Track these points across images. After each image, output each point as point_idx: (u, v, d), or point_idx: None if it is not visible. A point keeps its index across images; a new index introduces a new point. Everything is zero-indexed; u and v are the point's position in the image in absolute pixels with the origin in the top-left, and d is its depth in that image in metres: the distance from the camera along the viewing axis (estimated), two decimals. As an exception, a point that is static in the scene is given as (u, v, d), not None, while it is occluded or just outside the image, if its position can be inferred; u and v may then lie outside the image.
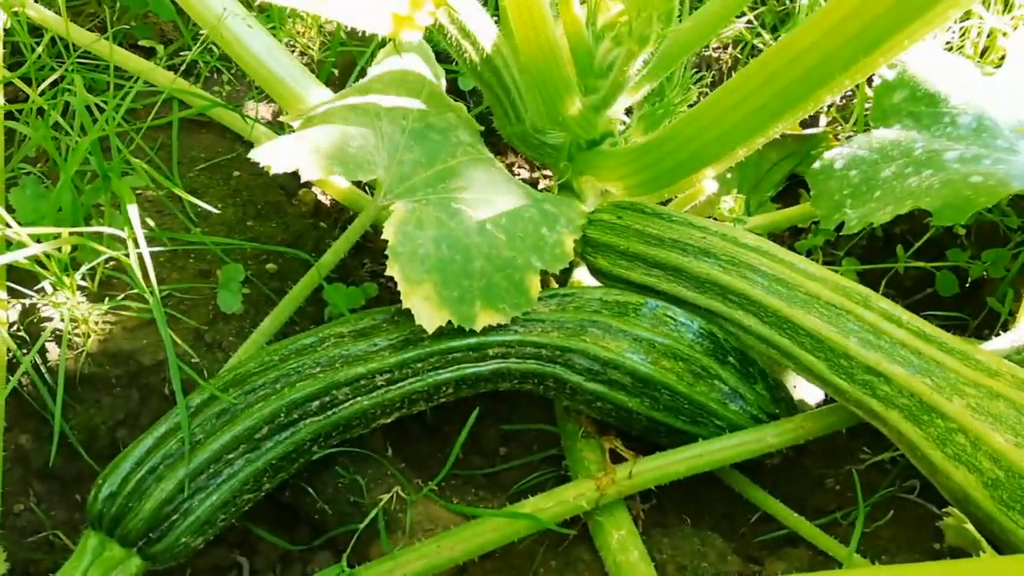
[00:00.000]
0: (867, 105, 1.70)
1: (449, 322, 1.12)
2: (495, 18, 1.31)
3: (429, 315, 1.11)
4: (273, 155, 1.13)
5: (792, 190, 1.82)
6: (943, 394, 1.09)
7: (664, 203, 1.53)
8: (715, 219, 1.69)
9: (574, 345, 1.19)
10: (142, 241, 1.15)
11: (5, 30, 1.38)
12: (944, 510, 1.11)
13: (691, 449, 1.19)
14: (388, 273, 1.10)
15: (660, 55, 1.31)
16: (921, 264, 1.52)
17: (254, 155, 1.14)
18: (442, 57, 1.53)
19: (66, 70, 1.36)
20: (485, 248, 1.18)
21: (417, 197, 1.21)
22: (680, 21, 1.35)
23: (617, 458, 1.22)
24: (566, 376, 1.20)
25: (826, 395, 1.28)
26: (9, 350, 1.18)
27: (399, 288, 1.10)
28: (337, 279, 1.40)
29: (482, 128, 1.39)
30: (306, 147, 1.14)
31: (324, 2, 0.86)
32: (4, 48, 1.40)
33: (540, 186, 1.78)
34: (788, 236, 1.77)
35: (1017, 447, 1.03)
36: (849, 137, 1.76)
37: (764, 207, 1.79)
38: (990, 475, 1.04)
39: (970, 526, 1.04)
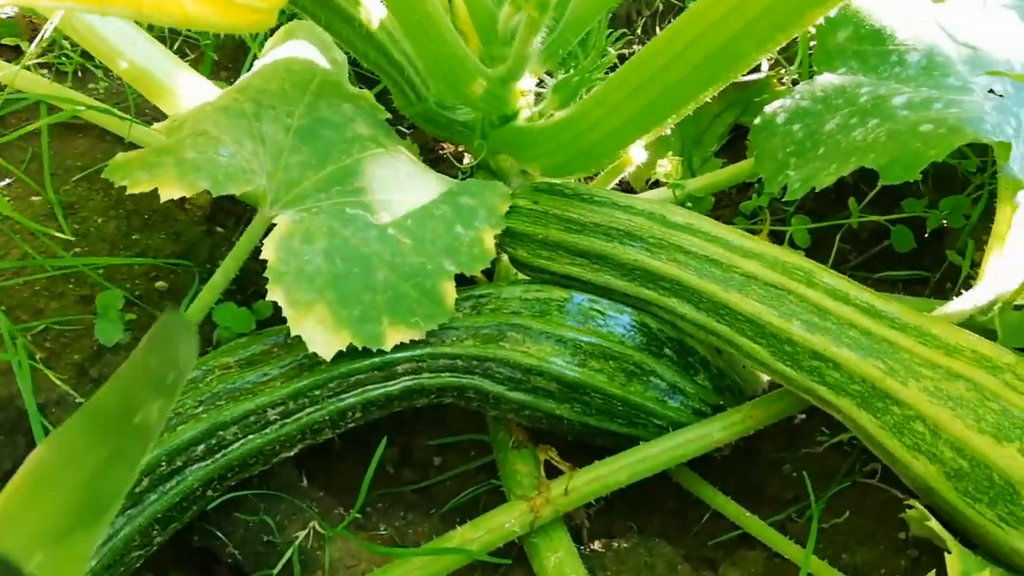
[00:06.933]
0: (811, 44, 1.57)
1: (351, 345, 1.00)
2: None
3: (325, 340, 0.98)
4: (129, 172, 0.99)
5: (737, 142, 1.69)
6: (898, 378, 0.98)
7: (590, 178, 1.40)
8: (656, 182, 1.58)
9: (492, 353, 1.07)
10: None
11: None
12: (906, 502, 1.02)
13: (631, 455, 1.08)
14: (270, 298, 0.97)
15: (570, 17, 1.17)
16: (875, 218, 1.41)
17: (108, 174, 1.00)
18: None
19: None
20: (388, 256, 1.05)
21: (307, 205, 1.07)
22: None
23: (553, 470, 1.12)
24: (487, 387, 1.09)
25: (775, 379, 1.18)
26: None
27: (285, 314, 0.97)
28: (236, 291, 1.27)
29: (389, 116, 1.25)
30: (168, 161, 1.00)
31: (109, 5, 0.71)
32: None
33: (466, 160, 1.64)
34: (735, 193, 1.65)
35: (980, 433, 0.93)
36: (794, 81, 1.63)
37: (708, 163, 1.66)
38: (952, 465, 0.94)
39: (933, 523, 0.94)
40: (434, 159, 1.61)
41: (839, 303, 1.04)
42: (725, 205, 1.65)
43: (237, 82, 1.17)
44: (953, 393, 0.95)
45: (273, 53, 1.23)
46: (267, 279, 1.01)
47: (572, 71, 1.23)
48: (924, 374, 0.97)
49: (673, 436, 1.09)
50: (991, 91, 1.23)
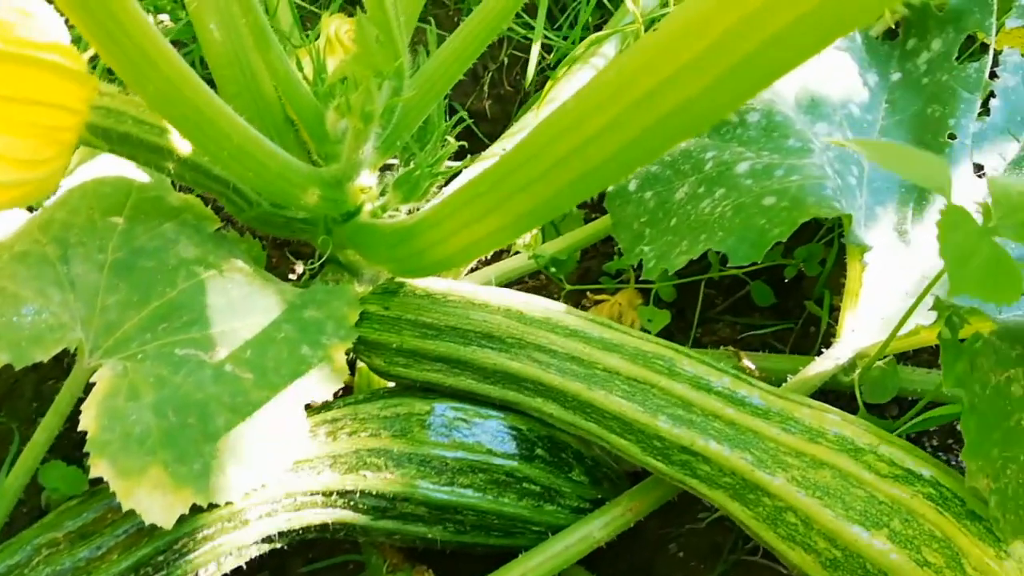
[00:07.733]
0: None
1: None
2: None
3: (164, 505, 0.89)
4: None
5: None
6: (766, 469, 0.97)
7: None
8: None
9: (352, 485, 1.01)
10: None
11: None
12: (786, 593, 1.01)
13: (511, 571, 1.04)
14: (94, 474, 0.87)
15: (404, 112, 1.11)
16: (735, 271, 1.41)
17: None
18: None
19: None
20: (227, 398, 0.97)
21: (132, 350, 0.98)
22: (429, 55, 1.15)
23: (430, 594, 1.07)
24: (350, 519, 1.03)
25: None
26: None
27: (113, 488, 0.88)
28: (70, 430, 1.16)
29: (220, 223, 1.16)
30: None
31: None
32: None
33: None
34: (601, 244, 1.63)
35: (850, 522, 0.92)
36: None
37: (570, 217, 1.64)
38: (827, 555, 0.93)
39: (814, 614, 0.93)
40: (280, 243, 1.53)
41: (702, 393, 1.02)
42: (592, 256, 1.62)
43: (39, 213, 1.06)
44: (820, 482, 0.94)
45: (80, 172, 1.12)
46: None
47: (412, 164, 1.17)
48: (791, 463, 0.96)
49: (553, 543, 1.06)
50: (832, 139, 1.24)
